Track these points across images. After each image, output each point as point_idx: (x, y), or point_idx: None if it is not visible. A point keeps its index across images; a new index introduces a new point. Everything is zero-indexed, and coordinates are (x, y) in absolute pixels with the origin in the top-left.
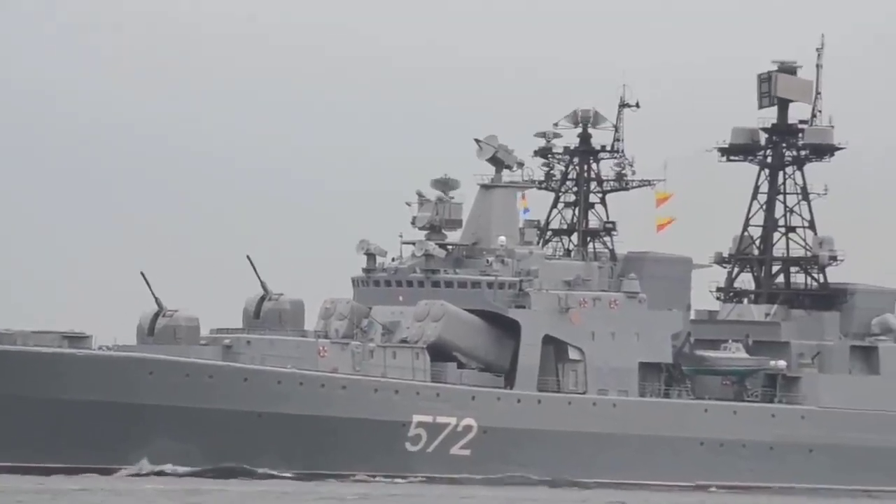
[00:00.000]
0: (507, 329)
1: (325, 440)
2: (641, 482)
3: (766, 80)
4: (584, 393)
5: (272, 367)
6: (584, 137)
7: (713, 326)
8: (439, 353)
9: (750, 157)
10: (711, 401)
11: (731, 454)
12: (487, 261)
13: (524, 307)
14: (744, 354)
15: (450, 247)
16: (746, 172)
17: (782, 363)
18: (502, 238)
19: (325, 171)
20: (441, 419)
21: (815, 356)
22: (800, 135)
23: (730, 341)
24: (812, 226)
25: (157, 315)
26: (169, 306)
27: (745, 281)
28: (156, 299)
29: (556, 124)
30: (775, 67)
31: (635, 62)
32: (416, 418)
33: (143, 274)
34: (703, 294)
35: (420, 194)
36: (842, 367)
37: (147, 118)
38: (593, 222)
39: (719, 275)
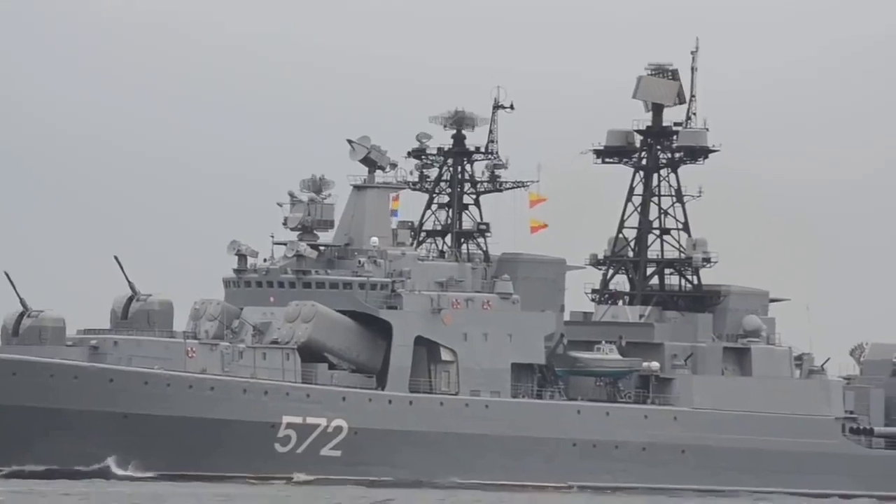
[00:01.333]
0: (379, 330)
1: (192, 442)
2: (514, 483)
3: (639, 83)
4: (456, 394)
5: (139, 367)
6: (458, 139)
7: (587, 328)
8: (310, 354)
9: (625, 160)
10: (584, 402)
11: (604, 455)
12: (359, 262)
13: (396, 308)
14: (617, 356)
15: (322, 247)
16: (621, 175)
17: (655, 364)
18: (374, 239)
19: (195, 171)
20: (311, 420)
21: (688, 357)
22: (674, 137)
23: (603, 343)
24: (686, 228)
25: (21, 315)
26: (35, 307)
27: (620, 283)
28: (20, 300)
29: (439, 123)
30: (649, 71)
31: (511, 64)
32: (286, 419)
33: (7, 274)
34: (579, 296)
35: (292, 195)
36: (714, 368)
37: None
38: (467, 223)
39: (594, 276)
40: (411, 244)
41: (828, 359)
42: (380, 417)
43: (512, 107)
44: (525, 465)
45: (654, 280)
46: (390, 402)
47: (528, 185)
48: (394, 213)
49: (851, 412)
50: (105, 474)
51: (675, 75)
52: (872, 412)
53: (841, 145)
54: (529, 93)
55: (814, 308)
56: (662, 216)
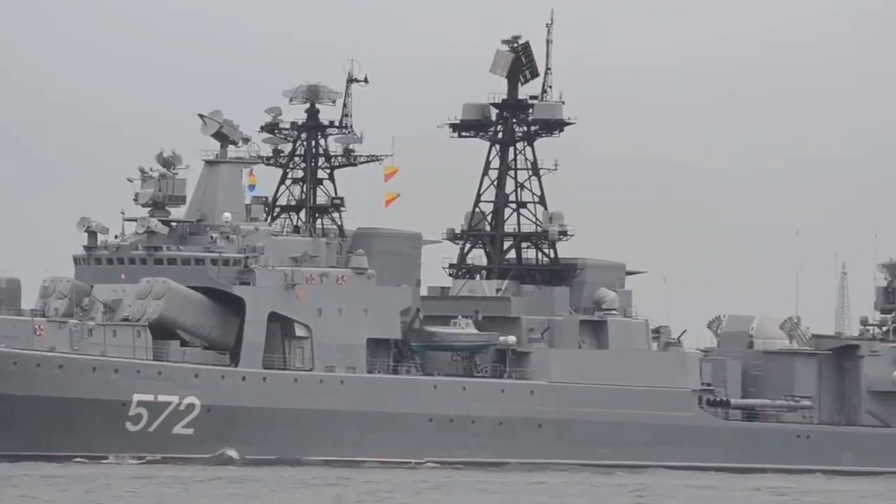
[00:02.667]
0: (232, 306)
1: (41, 422)
2: (370, 459)
3: (497, 55)
4: (311, 370)
5: None
6: (312, 113)
7: (443, 302)
8: (162, 331)
9: (481, 133)
10: (441, 377)
11: (461, 430)
12: (212, 237)
13: (249, 284)
14: (473, 330)
15: (173, 223)
16: (478, 148)
17: (512, 339)
18: (227, 214)
19: (43, 146)
20: (163, 398)
21: (545, 331)
22: (530, 110)
23: (459, 317)
24: (543, 201)
25: None
26: None
27: (477, 257)
28: None
29: (291, 100)
30: (504, 44)
31: (367, 39)
32: (137, 397)
33: None
34: (436, 270)
35: (142, 170)
36: (571, 341)
37: None
38: (322, 198)
39: (452, 251)
40: (265, 220)
41: (684, 331)
42: (233, 394)
43: (366, 80)
44: (381, 441)
45: (512, 254)
46: (244, 378)
47: (382, 159)
48: (251, 188)
49: (708, 384)
50: None
51: (526, 48)
52: (729, 384)
53: (698, 121)
54: (385, 66)
55: (671, 281)
56: (519, 190)
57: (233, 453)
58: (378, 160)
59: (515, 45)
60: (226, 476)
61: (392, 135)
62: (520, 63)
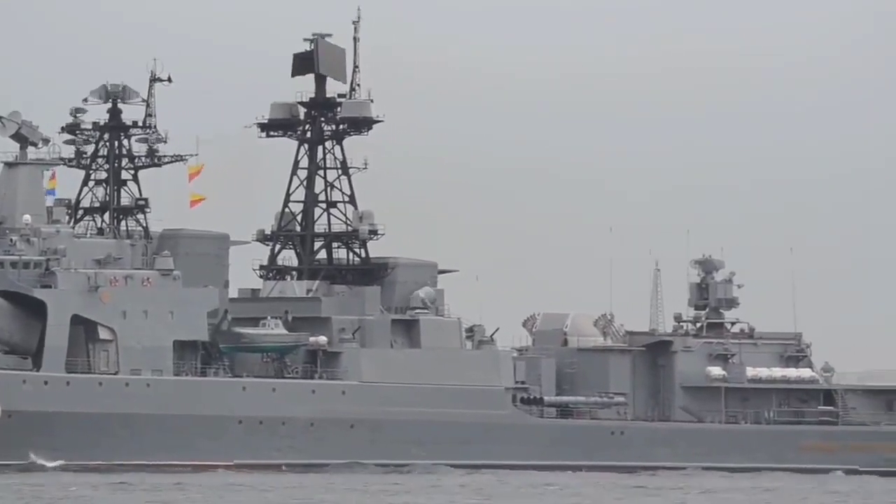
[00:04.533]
0: (33, 310)
1: None
2: (179, 463)
3: (300, 55)
4: (116, 373)
5: None
6: (114, 113)
7: (253, 304)
8: None
9: (289, 133)
10: (250, 378)
11: (271, 432)
12: (11, 240)
13: (51, 287)
14: (283, 331)
15: None
16: (287, 148)
17: (323, 339)
18: (27, 217)
19: None
20: None
21: (356, 331)
22: (338, 109)
23: (269, 318)
24: (353, 200)
25: None
26: None
27: (288, 258)
28: None
29: (85, 100)
30: (309, 43)
31: (171, 35)
32: None
33: None
34: (248, 272)
35: None
36: (383, 341)
37: None
38: (126, 200)
39: (263, 252)
40: (68, 222)
41: (497, 329)
42: (35, 399)
43: (170, 79)
44: (190, 444)
45: (322, 254)
46: (46, 383)
47: (187, 159)
48: (51, 192)
49: (523, 382)
50: None
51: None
52: (544, 382)
53: (505, 119)
54: (189, 65)
55: (486, 280)
56: (328, 189)
57: (39, 459)
58: (183, 160)
59: (318, 42)
60: (32, 482)
61: (196, 134)
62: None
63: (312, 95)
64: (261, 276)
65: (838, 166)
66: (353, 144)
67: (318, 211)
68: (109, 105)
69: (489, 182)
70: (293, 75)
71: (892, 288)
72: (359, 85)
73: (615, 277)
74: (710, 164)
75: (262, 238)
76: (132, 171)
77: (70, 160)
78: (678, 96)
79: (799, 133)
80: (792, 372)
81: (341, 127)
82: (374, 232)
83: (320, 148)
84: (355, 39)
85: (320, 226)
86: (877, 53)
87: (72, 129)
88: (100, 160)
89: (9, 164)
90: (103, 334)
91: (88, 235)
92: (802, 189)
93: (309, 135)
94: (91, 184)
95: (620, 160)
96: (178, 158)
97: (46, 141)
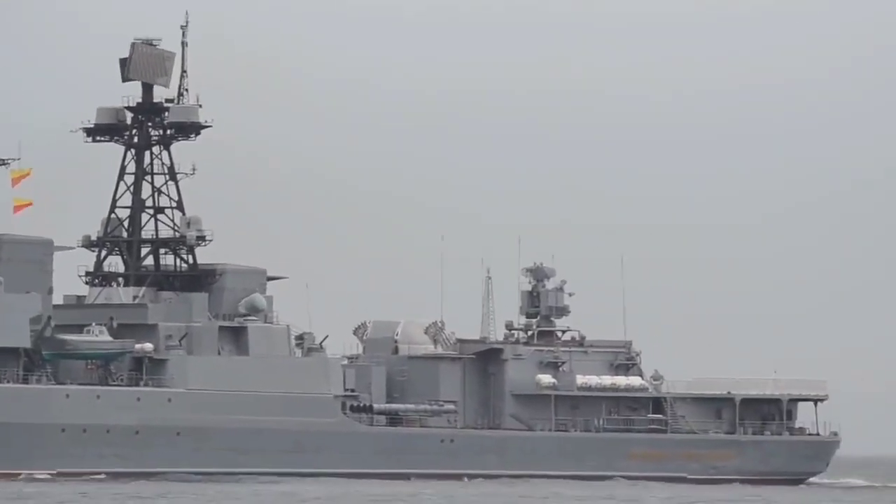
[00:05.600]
0: None
1: None
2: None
3: (125, 59)
4: None
5: None
6: None
7: (78, 311)
8: None
9: (116, 138)
10: (73, 385)
11: (95, 440)
12: None
13: None
14: (107, 337)
15: None
16: (114, 153)
17: (149, 346)
18: None
19: None
20: None
21: (183, 338)
22: (165, 114)
23: (93, 325)
24: (180, 206)
25: None
26: None
27: (115, 264)
28: None
29: None
30: (133, 45)
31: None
32: None
33: None
34: (73, 279)
35: None
36: (211, 348)
37: None
38: None
39: (89, 258)
40: None
41: (326, 336)
42: None
43: None
44: (11, 454)
45: (150, 260)
46: None
47: (9, 163)
48: None
49: (353, 390)
50: None
51: (158, 54)
52: (374, 390)
53: (336, 122)
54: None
55: (316, 287)
56: (156, 195)
57: None
58: (5, 164)
59: (135, 47)
60: None
61: (19, 138)
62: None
63: (140, 100)
64: (86, 283)
65: (667, 170)
66: (181, 149)
67: (145, 217)
68: None
69: (319, 189)
70: (123, 80)
71: (723, 296)
72: (187, 90)
73: (446, 285)
74: (541, 172)
75: (88, 244)
76: None
77: None
78: (502, 101)
79: (628, 143)
80: (621, 380)
81: (169, 132)
82: (201, 238)
83: (147, 153)
84: (183, 44)
85: (147, 231)
86: None
87: None
88: None
89: None
90: None
91: None
92: (632, 199)
93: (136, 140)
94: None
95: (451, 170)
96: (1, 163)
97: None
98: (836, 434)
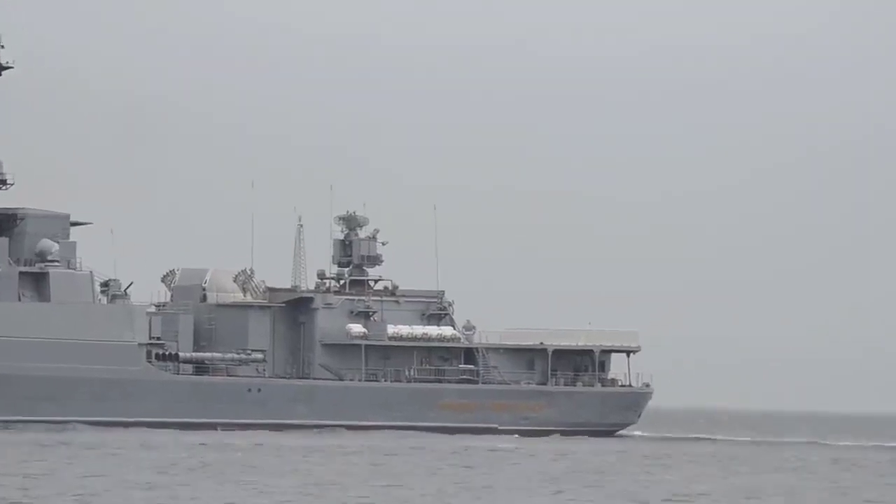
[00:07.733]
0: None
1: None
2: None
3: None
4: None
5: None
6: None
7: None
8: None
9: None
10: None
11: None
12: None
13: None
14: None
15: None
16: None
17: None
18: None
19: None
20: None
21: None
22: None
23: None
24: None
25: None
26: None
27: None
28: None
29: None
30: None
31: None
32: None
33: None
34: None
35: None
36: (11, 294)
37: None
38: None
39: None
40: None
41: (130, 283)
42: None
43: None
44: None
45: None
46: None
47: None
48: None
49: (159, 338)
50: None
51: None
52: (181, 338)
53: (147, 48)
54: None
55: (122, 233)
56: None
57: None
58: None
59: None
60: None
61: None
62: None
63: None
64: None
65: (481, 118)
66: None
67: None
68: None
69: (128, 131)
70: None
71: (536, 248)
72: None
73: (257, 233)
74: (352, 124)
75: None
76: None
77: None
78: (319, 47)
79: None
80: (433, 330)
81: None
82: (3, 181)
83: None
84: None
85: None
86: None
87: None
88: None
89: None
90: None
91: None
92: (446, 147)
93: None
94: None
95: (260, 116)
96: None
97: None
98: (648, 385)
